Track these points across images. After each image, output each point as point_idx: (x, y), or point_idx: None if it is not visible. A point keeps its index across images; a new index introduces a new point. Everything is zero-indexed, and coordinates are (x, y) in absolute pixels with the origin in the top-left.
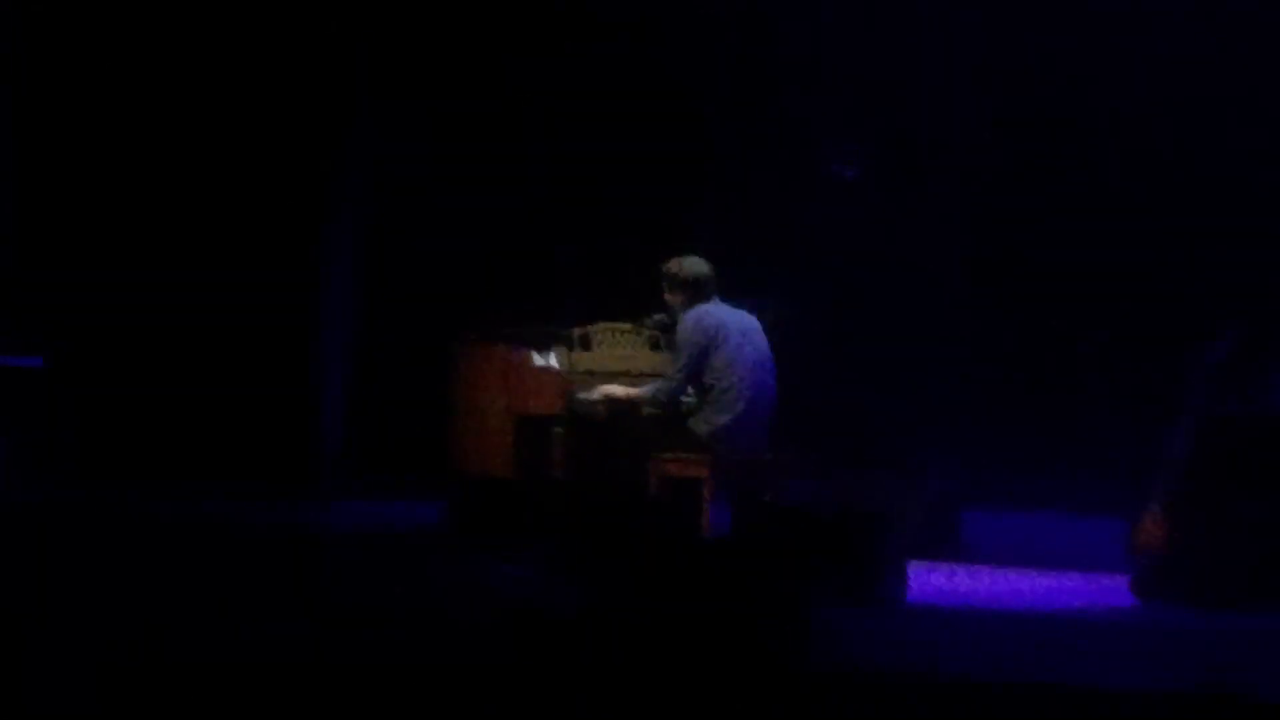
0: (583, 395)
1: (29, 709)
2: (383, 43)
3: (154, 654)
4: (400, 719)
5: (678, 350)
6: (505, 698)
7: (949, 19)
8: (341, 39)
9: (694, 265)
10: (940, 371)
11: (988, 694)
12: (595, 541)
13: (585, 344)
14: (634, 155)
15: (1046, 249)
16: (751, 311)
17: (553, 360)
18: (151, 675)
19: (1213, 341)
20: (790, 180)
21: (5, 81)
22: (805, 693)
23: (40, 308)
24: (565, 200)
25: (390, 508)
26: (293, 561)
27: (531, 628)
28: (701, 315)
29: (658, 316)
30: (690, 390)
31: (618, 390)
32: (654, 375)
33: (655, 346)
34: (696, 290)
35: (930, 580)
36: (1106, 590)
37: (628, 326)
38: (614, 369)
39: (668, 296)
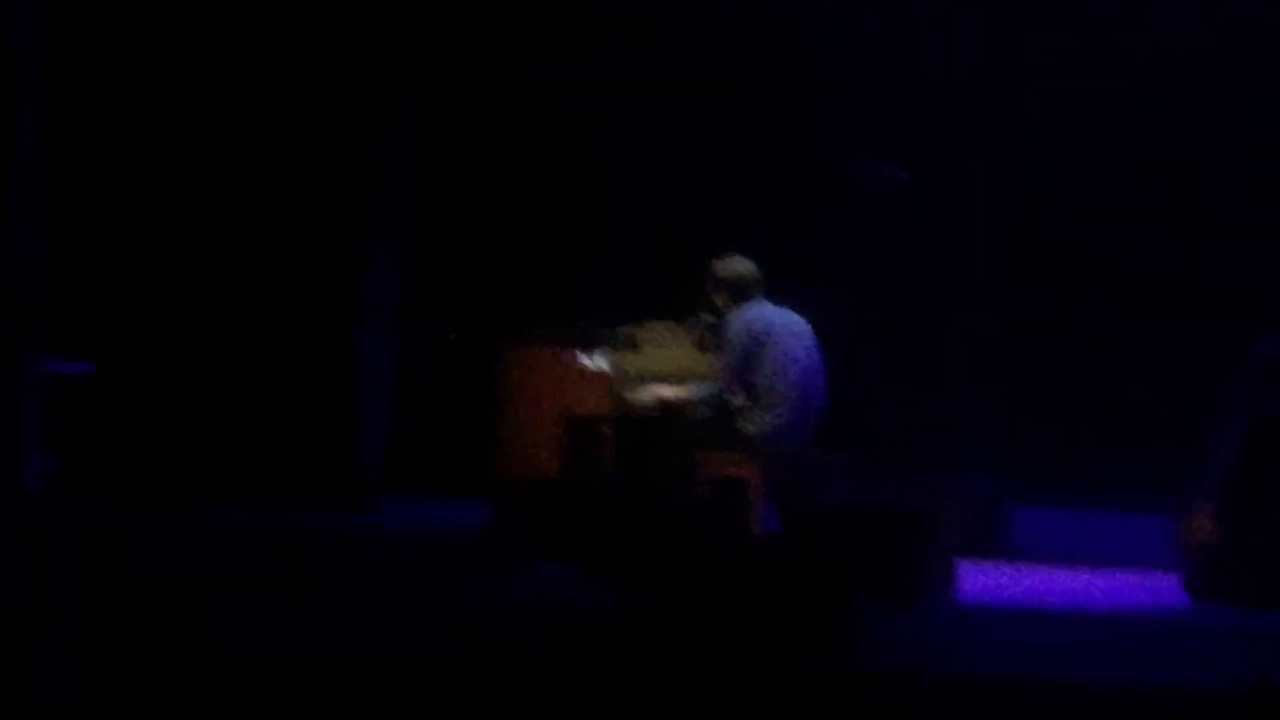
0: (631, 396)
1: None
2: (419, 38)
3: (215, 653)
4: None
5: (726, 351)
6: (549, 699)
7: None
8: (373, 34)
9: (738, 265)
10: (987, 370)
11: (1037, 692)
12: (642, 542)
13: (633, 344)
14: (671, 158)
15: (1097, 248)
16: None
17: (601, 361)
18: (215, 675)
19: (1262, 339)
20: (833, 183)
21: (33, 85)
22: (852, 693)
23: (88, 317)
24: (606, 206)
25: (435, 510)
26: (337, 564)
27: (575, 629)
28: (751, 317)
29: (704, 316)
30: (737, 391)
31: (667, 391)
32: (701, 376)
33: (702, 347)
34: (740, 290)
35: (979, 579)
36: (1159, 589)
37: (675, 326)
38: (661, 369)
39: (713, 296)
